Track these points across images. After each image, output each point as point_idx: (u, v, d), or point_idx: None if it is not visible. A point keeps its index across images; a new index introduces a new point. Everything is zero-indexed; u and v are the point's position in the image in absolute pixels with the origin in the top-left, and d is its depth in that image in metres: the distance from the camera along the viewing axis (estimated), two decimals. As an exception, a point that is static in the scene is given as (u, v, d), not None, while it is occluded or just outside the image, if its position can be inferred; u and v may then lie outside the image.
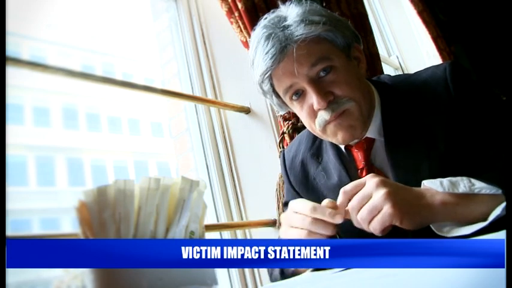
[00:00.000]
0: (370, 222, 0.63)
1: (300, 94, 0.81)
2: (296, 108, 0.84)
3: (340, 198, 0.67)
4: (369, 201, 0.63)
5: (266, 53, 0.78)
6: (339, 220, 0.66)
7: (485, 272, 0.31)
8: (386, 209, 0.61)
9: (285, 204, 1.02)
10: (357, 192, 0.66)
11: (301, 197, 0.96)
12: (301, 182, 0.95)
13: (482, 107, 0.80)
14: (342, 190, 0.67)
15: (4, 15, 0.62)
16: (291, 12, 0.81)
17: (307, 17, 0.79)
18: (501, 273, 0.29)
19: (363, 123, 0.82)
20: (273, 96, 0.86)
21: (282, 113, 1.06)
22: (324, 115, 0.79)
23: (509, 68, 2.55)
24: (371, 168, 0.85)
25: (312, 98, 0.78)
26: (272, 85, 0.83)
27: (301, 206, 0.70)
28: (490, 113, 0.79)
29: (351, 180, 0.84)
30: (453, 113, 0.79)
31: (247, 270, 1.40)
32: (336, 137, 0.82)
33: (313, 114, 0.81)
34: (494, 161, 0.75)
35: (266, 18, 0.84)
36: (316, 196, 0.92)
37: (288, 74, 0.79)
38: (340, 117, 0.79)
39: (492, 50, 2.89)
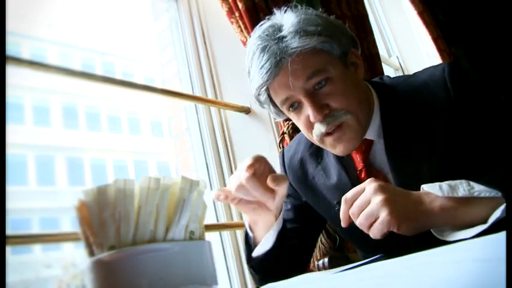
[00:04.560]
0: (369, 227, 0.63)
1: (296, 106, 0.81)
2: (293, 118, 0.84)
3: (342, 206, 0.67)
4: (367, 207, 0.64)
5: (261, 68, 0.77)
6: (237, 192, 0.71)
7: (486, 273, 0.31)
8: (383, 216, 0.61)
9: None
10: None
11: (299, 194, 0.97)
12: (300, 181, 0.96)
13: (481, 108, 0.79)
14: (343, 198, 0.67)
15: (4, 15, 0.62)
16: (286, 21, 0.79)
17: (302, 27, 0.77)
18: (501, 273, 0.29)
19: (361, 134, 0.82)
20: (270, 106, 0.86)
21: (279, 119, 1.06)
22: (320, 128, 0.79)
23: (510, 68, 2.55)
24: (370, 169, 0.85)
25: (308, 111, 0.78)
26: (269, 95, 0.83)
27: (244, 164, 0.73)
28: (489, 114, 0.79)
29: (350, 181, 0.85)
30: (452, 114, 0.79)
31: (246, 270, 1.40)
32: (334, 149, 0.82)
33: (310, 125, 0.81)
34: (494, 162, 0.75)
35: (262, 25, 0.83)
36: (314, 194, 0.93)
37: (284, 87, 0.78)
38: (339, 131, 0.79)
39: (492, 51, 2.89)
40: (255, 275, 0.91)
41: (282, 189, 0.73)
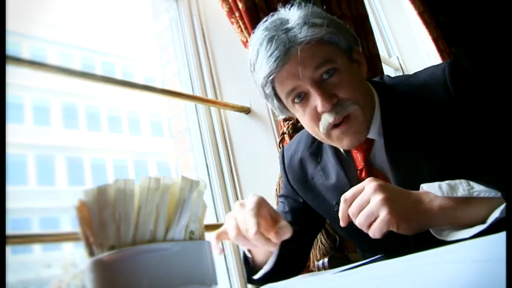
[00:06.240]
0: (368, 227, 0.63)
1: (302, 97, 0.80)
2: (298, 112, 0.83)
3: (341, 206, 0.67)
4: (366, 206, 0.63)
5: (270, 56, 0.77)
6: (253, 241, 0.65)
7: (486, 273, 0.31)
8: (383, 215, 0.61)
9: (280, 197, 1.03)
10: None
11: (298, 194, 0.97)
12: (300, 180, 0.95)
13: (481, 107, 0.79)
14: (342, 198, 0.67)
15: (4, 14, 0.62)
16: (292, 15, 0.80)
17: (309, 19, 0.78)
18: (501, 273, 0.29)
19: (367, 127, 0.82)
20: (275, 100, 0.85)
21: (282, 117, 1.05)
22: (328, 118, 0.78)
23: (510, 69, 2.55)
24: (370, 168, 0.85)
25: (316, 101, 0.77)
26: (274, 88, 0.83)
27: (248, 202, 0.68)
28: (489, 114, 0.79)
29: (349, 181, 0.85)
30: (452, 114, 0.79)
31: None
32: (341, 142, 0.82)
33: (317, 117, 0.80)
34: (493, 161, 0.75)
35: (267, 20, 0.83)
36: (314, 195, 0.93)
37: (292, 76, 0.78)
38: (346, 123, 0.79)
39: (492, 51, 2.89)
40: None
41: (287, 235, 0.68)
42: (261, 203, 0.68)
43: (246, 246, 0.72)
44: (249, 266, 0.85)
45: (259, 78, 0.81)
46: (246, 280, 0.87)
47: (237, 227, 0.68)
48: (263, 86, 0.83)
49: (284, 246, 0.79)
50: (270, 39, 0.78)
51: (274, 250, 0.77)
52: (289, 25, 0.78)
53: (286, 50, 0.76)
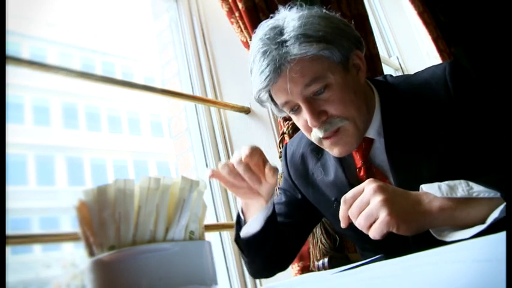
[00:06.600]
0: (368, 228, 0.63)
1: (296, 109, 0.81)
2: (294, 119, 0.85)
3: (341, 207, 0.68)
4: (366, 208, 0.64)
5: (261, 73, 0.77)
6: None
7: (486, 273, 0.31)
8: (383, 217, 0.61)
9: (278, 189, 1.04)
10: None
11: (298, 189, 0.98)
12: (301, 176, 0.96)
13: (481, 107, 0.80)
14: (342, 199, 0.68)
15: (4, 15, 0.62)
16: (287, 24, 0.79)
17: (303, 32, 0.76)
18: (501, 273, 0.29)
19: (358, 138, 0.82)
20: (272, 104, 0.87)
21: (281, 116, 1.07)
22: (317, 133, 0.80)
23: (510, 69, 2.55)
24: (369, 167, 0.85)
25: (306, 116, 0.79)
26: (271, 95, 0.84)
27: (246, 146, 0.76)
28: (489, 114, 0.79)
29: (347, 178, 0.86)
30: (453, 113, 0.79)
31: (246, 271, 1.40)
32: (332, 151, 0.83)
33: (309, 128, 0.81)
34: (493, 161, 0.75)
35: (267, 23, 0.82)
36: (315, 190, 0.94)
37: (283, 92, 0.78)
38: (336, 136, 0.80)
39: (492, 51, 2.89)
40: (244, 257, 0.92)
41: (273, 179, 0.76)
42: (257, 149, 0.76)
43: (232, 181, 0.78)
44: (240, 226, 0.87)
45: (253, 91, 0.83)
46: (234, 239, 0.91)
47: (229, 162, 0.77)
48: (257, 98, 0.85)
49: (275, 227, 0.85)
50: (263, 54, 0.77)
51: (263, 209, 0.83)
52: (283, 37, 0.77)
53: (276, 68, 0.76)
